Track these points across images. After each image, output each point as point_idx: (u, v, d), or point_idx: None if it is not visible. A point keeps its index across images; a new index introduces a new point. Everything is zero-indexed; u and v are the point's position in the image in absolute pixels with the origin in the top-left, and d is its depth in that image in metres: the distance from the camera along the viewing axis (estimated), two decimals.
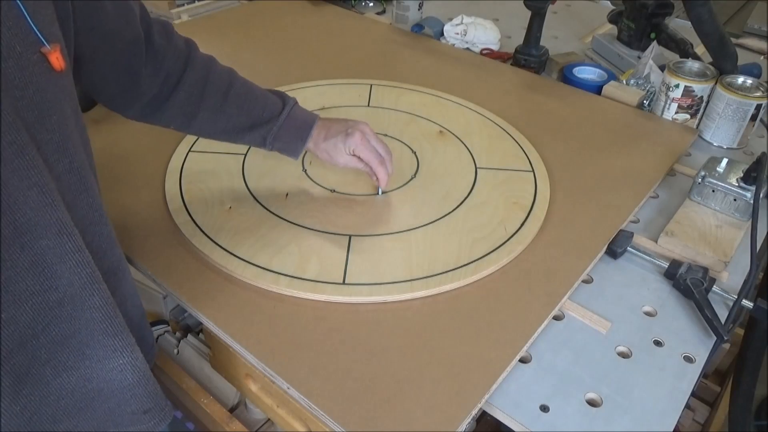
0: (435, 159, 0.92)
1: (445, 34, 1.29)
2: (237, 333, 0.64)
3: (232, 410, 1.02)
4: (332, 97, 1.07)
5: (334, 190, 0.84)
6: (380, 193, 0.83)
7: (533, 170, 0.90)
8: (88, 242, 0.52)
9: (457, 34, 1.26)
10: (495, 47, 1.28)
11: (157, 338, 1.08)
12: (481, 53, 1.27)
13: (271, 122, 0.76)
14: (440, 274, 0.71)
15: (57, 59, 0.46)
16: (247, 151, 0.91)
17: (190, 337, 1.04)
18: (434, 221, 0.79)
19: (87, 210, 0.53)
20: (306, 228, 0.77)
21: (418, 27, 1.32)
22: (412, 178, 0.88)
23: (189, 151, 0.91)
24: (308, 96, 1.06)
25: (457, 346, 0.63)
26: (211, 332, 0.67)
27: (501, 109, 1.05)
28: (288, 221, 0.78)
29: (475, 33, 1.25)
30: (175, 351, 1.04)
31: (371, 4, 1.48)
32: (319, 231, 0.77)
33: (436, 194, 0.84)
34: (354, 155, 0.79)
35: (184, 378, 1.02)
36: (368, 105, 1.06)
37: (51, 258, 0.48)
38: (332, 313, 0.66)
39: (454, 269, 0.71)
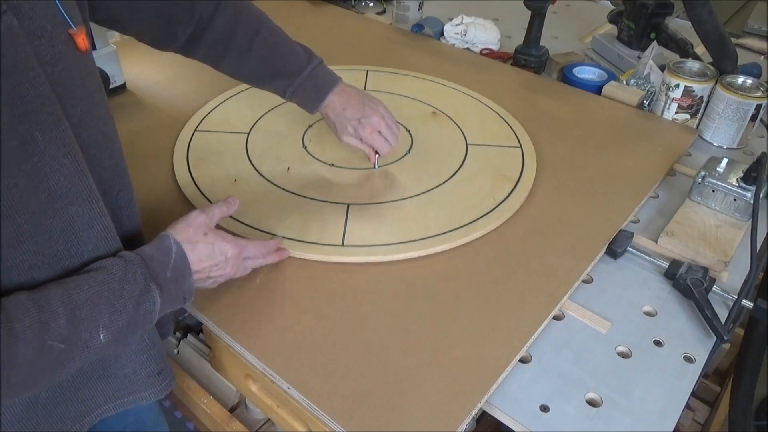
0: (428, 137, 0.97)
1: (445, 34, 1.29)
2: (237, 333, 0.64)
3: (232, 410, 1.02)
4: None
5: (333, 164, 0.89)
6: (376, 167, 0.87)
7: (521, 146, 0.94)
8: (109, 210, 0.54)
9: (457, 34, 1.26)
10: (495, 47, 1.28)
11: None
12: (481, 53, 1.27)
13: (292, 77, 0.79)
14: (433, 236, 0.76)
15: (83, 40, 0.50)
16: (250, 131, 0.96)
17: (190, 337, 1.04)
18: (427, 191, 0.84)
19: (109, 179, 0.56)
20: (307, 198, 0.82)
21: (418, 27, 1.32)
22: (406, 154, 0.93)
23: (195, 130, 0.95)
24: None
25: (457, 346, 0.63)
26: (211, 332, 0.67)
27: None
28: (290, 192, 0.83)
29: (475, 33, 1.25)
30: (175, 351, 1.04)
31: (371, 4, 1.48)
32: (319, 200, 0.82)
33: (429, 168, 0.89)
34: (358, 138, 0.83)
35: (184, 378, 1.02)
36: (364, 88, 1.09)
37: (79, 224, 0.51)
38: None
39: (445, 232, 0.76)
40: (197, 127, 0.96)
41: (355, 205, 0.81)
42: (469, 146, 0.94)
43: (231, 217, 0.76)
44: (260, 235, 0.74)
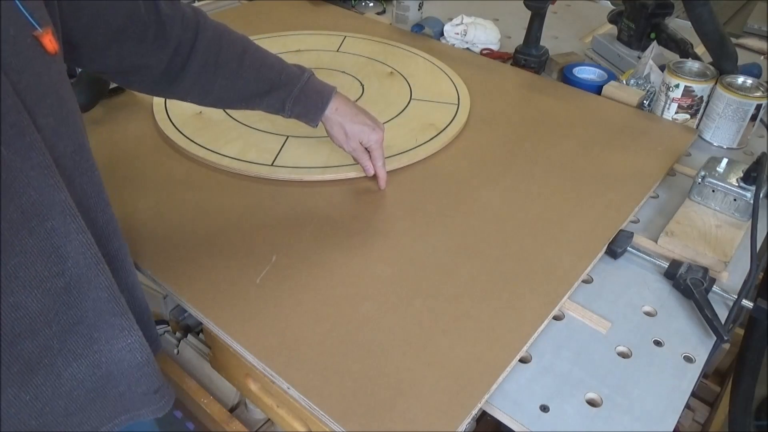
0: (378, 91, 1.08)
1: (445, 34, 1.29)
2: (237, 333, 0.64)
3: (232, 410, 1.02)
4: (307, 43, 1.25)
5: None
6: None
7: (458, 104, 1.05)
8: (89, 225, 0.52)
9: (457, 34, 1.26)
10: (495, 47, 1.28)
11: None
12: (481, 53, 1.27)
13: (290, 85, 0.76)
14: (348, 164, 0.88)
15: (50, 41, 0.47)
16: None
17: (190, 337, 1.04)
18: None
19: (87, 193, 0.53)
20: (255, 129, 0.96)
21: (418, 27, 1.32)
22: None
23: None
24: (286, 42, 1.22)
25: (457, 346, 0.63)
26: (211, 332, 0.67)
27: (501, 109, 1.06)
28: (242, 123, 0.97)
29: (475, 33, 1.25)
30: (175, 351, 1.04)
31: (371, 4, 1.48)
32: (264, 131, 0.95)
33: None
34: (362, 147, 0.82)
35: (184, 378, 1.02)
36: (338, 50, 1.22)
37: (57, 240, 0.48)
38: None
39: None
40: None
41: (293, 138, 0.94)
42: (412, 100, 1.06)
43: (187, 137, 0.92)
44: (205, 152, 0.89)
